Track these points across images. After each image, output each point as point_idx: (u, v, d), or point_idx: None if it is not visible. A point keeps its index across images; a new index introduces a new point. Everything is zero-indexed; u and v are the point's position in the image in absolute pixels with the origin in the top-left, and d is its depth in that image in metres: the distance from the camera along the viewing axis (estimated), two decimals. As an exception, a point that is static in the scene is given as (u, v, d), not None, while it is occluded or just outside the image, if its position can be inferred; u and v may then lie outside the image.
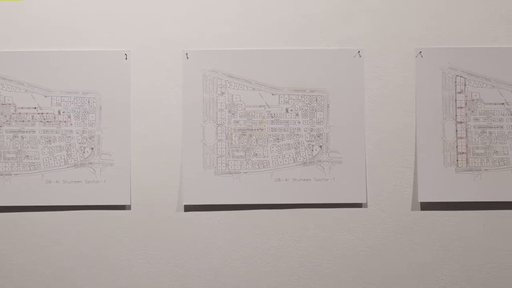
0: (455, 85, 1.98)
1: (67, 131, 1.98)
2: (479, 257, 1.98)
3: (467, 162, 1.97)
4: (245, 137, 1.99)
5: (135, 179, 1.98)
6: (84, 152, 1.98)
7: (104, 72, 1.98)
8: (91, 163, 1.97)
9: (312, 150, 1.98)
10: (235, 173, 1.97)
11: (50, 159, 1.97)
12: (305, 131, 1.99)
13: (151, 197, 1.98)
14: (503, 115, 1.98)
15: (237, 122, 1.99)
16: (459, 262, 1.98)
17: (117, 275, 1.97)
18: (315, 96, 1.99)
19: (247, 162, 1.98)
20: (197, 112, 1.98)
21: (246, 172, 1.98)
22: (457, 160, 1.97)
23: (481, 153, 1.97)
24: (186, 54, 1.98)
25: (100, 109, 1.98)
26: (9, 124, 1.97)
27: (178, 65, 1.98)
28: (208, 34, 1.99)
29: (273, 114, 1.99)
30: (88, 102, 1.98)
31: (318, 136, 1.98)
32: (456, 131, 1.97)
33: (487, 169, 1.97)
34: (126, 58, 1.98)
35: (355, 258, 1.98)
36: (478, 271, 1.98)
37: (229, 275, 1.98)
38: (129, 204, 1.97)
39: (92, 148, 1.98)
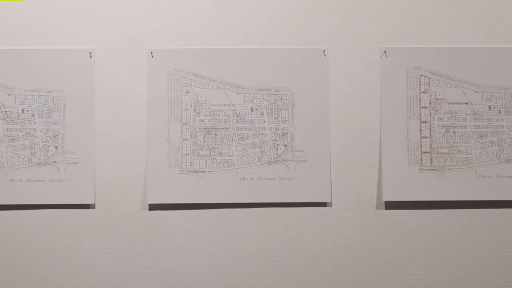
0: (419, 85, 1.98)
1: (31, 129, 1.97)
2: (443, 256, 1.99)
3: (431, 162, 1.98)
4: (210, 136, 1.98)
5: (100, 178, 1.97)
6: (48, 151, 1.96)
7: (69, 71, 1.97)
8: (55, 162, 1.96)
9: (277, 149, 1.98)
10: (200, 172, 1.97)
11: (14, 157, 1.96)
12: (270, 130, 1.99)
13: (116, 196, 1.97)
14: (467, 114, 1.99)
15: (202, 121, 1.98)
16: (423, 260, 1.99)
17: (82, 274, 1.96)
18: (280, 95, 1.99)
19: (212, 161, 1.98)
20: (162, 111, 1.97)
21: (211, 171, 1.97)
22: (421, 159, 1.98)
23: (445, 153, 1.98)
24: (151, 52, 1.97)
25: (65, 107, 1.97)
26: (-28, 122, 1.96)
27: (143, 64, 1.98)
28: (173, 33, 1.99)
29: (238, 113, 1.99)
30: (52, 100, 1.97)
31: (283, 135, 1.98)
32: (420, 130, 1.98)
33: (450, 168, 1.98)
34: (90, 57, 1.98)
35: (320, 257, 1.98)
36: (442, 270, 1.99)
37: (194, 274, 1.98)
38: (93, 203, 1.97)
39: (56, 147, 1.97)
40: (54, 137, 1.97)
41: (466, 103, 1.99)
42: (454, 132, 1.99)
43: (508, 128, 1.99)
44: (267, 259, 1.98)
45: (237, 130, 1.99)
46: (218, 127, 1.98)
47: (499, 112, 1.99)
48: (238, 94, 1.98)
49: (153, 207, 1.97)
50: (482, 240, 1.99)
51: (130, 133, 1.98)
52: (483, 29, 2.01)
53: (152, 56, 1.97)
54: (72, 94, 1.97)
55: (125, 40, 1.98)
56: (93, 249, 1.97)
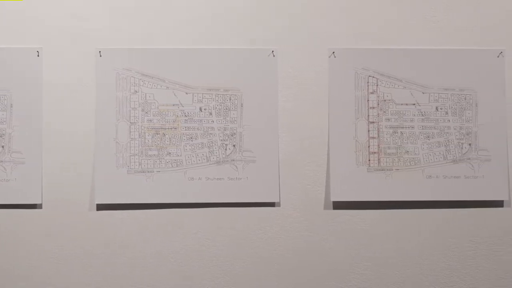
0: (368, 86, 1.99)
1: (-23, 129, 1.95)
2: (390, 256, 2.00)
3: (378, 162, 1.99)
4: (158, 136, 1.98)
5: (47, 178, 1.95)
6: (-6, 150, 1.95)
7: (16, 69, 1.95)
8: (2, 162, 1.95)
9: (226, 149, 1.98)
10: (148, 172, 1.97)
11: (-40, 157, 1.94)
12: (218, 130, 1.99)
13: (63, 196, 1.96)
14: (414, 115, 2.00)
15: (150, 121, 1.98)
16: (371, 260, 2.00)
17: (28, 275, 1.95)
18: (228, 96, 1.99)
19: (160, 161, 1.97)
20: (110, 111, 1.96)
21: (159, 171, 1.97)
22: (369, 160, 1.99)
23: (393, 153, 2.00)
24: (99, 52, 1.96)
25: (11, 107, 1.95)
26: None
27: (91, 63, 1.96)
28: (122, 32, 1.98)
29: (186, 113, 1.98)
30: (-1, 99, 1.96)
31: (232, 135, 1.98)
32: (368, 131, 1.99)
33: (398, 169, 1.99)
34: (38, 55, 1.96)
35: (268, 257, 1.99)
36: (390, 270, 2.00)
37: (142, 274, 1.97)
38: (40, 203, 1.95)
39: (2, 146, 1.95)
40: (0, 137, 1.95)
41: (414, 104, 2.00)
42: (401, 133, 2.00)
43: (454, 129, 2.00)
44: (215, 259, 1.98)
45: (185, 130, 1.98)
46: (167, 127, 1.98)
47: (446, 113, 2.00)
48: (186, 94, 1.98)
49: (100, 207, 1.96)
50: (429, 240, 2.01)
51: (78, 132, 1.96)
52: (432, 31, 2.02)
53: (100, 56, 1.96)
54: (19, 93, 1.95)
55: (73, 39, 1.97)
56: (40, 249, 1.95)
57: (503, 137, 2.00)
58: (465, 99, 2.00)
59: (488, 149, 2.00)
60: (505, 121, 2.01)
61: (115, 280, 1.96)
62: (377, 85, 1.99)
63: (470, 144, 2.00)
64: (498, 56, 2.01)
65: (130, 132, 1.97)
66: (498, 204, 2.01)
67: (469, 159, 2.00)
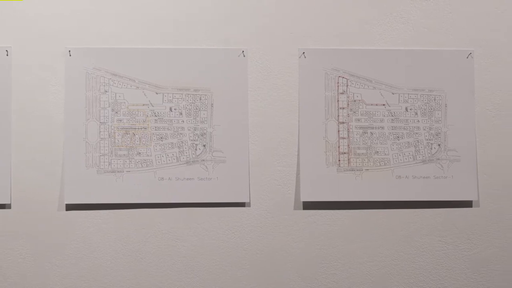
0: (338, 86, 2.00)
1: None
2: (360, 256, 2.01)
3: (348, 162, 1.99)
4: (128, 135, 1.97)
5: (16, 178, 1.94)
6: (-38, 150, 1.94)
7: (-16, 69, 1.94)
8: (-30, 161, 1.94)
9: (196, 149, 1.98)
10: (118, 172, 1.96)
11: None
12: (188, 130, 1.98)
13: (32, 195, 1.95)
14: (384, 116, 2.01)
15: (120, 120, 1.97)
16: (340, 260, 2.00)
17: (-3, 275, 1.95)
18: (199, 95, 1.99)
19: (130, 161, 1.97)
20: (80, 110, 1.96)
21: (129, 171, 1.96)
22: (339, 160, 1.99)
23: (363, 153, 2.00)
24: (69, 51, 1.96)
25: (-20, 106, 1.95)
26: None
27: (61, 62, 1.96)
28: (92, 31, 1.97)
29: (156, 113, 1.98)
30: (-32, 99, 1.95)
31: (202, 135, 1.98)
32: (338, 131, 2.00)
33: (368, 169, 2.00)
34: (7, 55, 1.95)
35: (238, 256, 1.99)
36: (359, 270, 2.01)
37: (111, 275, 1.96)
38: (9, 203, 1.94)
39: (-29, 146, 1.94)
40: (-31, 136, 1.94)
41: (384, 105, 2.01)
42: (371, 133, 2.00)
43: (424, 129, 2.01)
44: (185, 259, 1.98)
45: (155, 130, 1.98)
46: (137, 127, 1.98)
47: (416, 113, 2.01)
48: (157, 93, 1.98)
49: (70, 207, 1.96)
50: (399, 240, 2.01)
51: (47, 132, 1.96)
52: (402, 32, 2.03)
53: (70, 55, 1.96)
54: (-13, 93, 1.94)
55: (42, 38, 1.96)
56: (9, 250, 1.94)
57: (472, 138, 2.01)
58: (434, 99, 2.01)
59: (457, 150, 2.01)
60: (474, 122, 2.02)
61: (84, 281, 1.96)
62: (347, 86, 2.00)
63: (439, 145, 2.01)
64: (467, 57, 2.02)
65: (100, 132, 1.96)
66: (467, 204, 2.03)
67: (439, 159, 2.01)
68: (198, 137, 1.98)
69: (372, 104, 2.01)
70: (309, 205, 2.00)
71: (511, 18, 2.05)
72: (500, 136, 2.03)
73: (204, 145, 1.98)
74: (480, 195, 2.02)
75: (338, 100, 2.00)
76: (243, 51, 1.99)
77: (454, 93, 2.01)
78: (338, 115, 2.00)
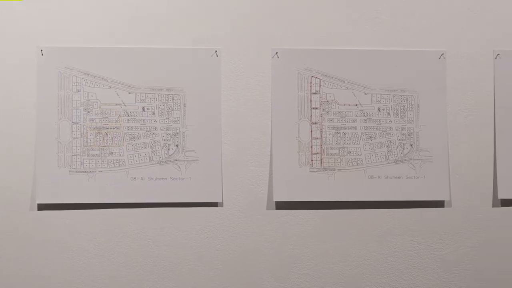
0: (310, 86, 2.00)
1: None
2: (332, 256, 2.01)
3: (321, 162, 2.00)
4: (100, 135, 1.97)
5: (-13, 177, 1.94)
6: None
7: (-45, 68, 1.93)
8: None
9: (168, 149, 1.98)
10: (90, 171, 1.96)
11: None
12: (161, 130, 1.98)
13: (4, 195, 1.94)
14: (357, 116, 2.01)
15: (92, 120, 1.97)
16: (313, 260, 2.01)
17: (-32, 275, 1.94)
18: (172, 95, 1.98)
19: (103, 161, 1.96)
20: (52, 110, 1.95)
21: (102, 171, 1.96)
22: (312, 160, 1.99)
23: (335, 153, 2.00)
24: (41, 50, 1.95)
25: (-49, 105, 1.94)
26: None
27: (33, 62, 1.95)
28: (64, 31, 1.97)
29: (129, 113, 1.98)
30: None
31: (175, 135, 1.98)
32: (311, 131, 2.00)
33: (340, 169, 2.00)
34: (-22, 54, 1.95)
35: (211, 257, 1.99)
36: (332, 269, 2.01)
37: (84, 275, 1.96)
38: (-19, 202, 1.94)
39: None
40: None
41: (356, 105, 2.01)
42: (344, 133, 2.01)
43: (396, 129, 2.02)
44: (157, 259, 1.98)
45: (128, 129, 1.97)
46: (109, 127, 1.97)
47: (388, 114, 2.02)
48: (129, 93, 1.97)
49: (42, 207, 1.95)
50: (371, 240, 2.02)
51: (19, 132, 1.95)
52: (374, 32, 2.03)
53: (42, 54, 1.95)
54: (-41, 92, 1.93)
55: (14, 38, 1.95)
56: (-20, 250, 1.94)
57: (444, 138, 2.02)
58: (407, 100, 2.02)
59: (429, 150, 2.02)
60: (446, 122, 2.03)
61: (58, 282, 1.95)
62: (320, 86, 2.00)
63: (411, 145, 2.01)
64: (439, 58, 2.03)
65: (72, 131, 1.96)
66: (439, 204, 2.03)
67: (411, 159, 2.01)
68: (171, 137, 1.98)
69: (344, 104, 2.01)
70: (281, 205, 2.00)
71: (483, 19, 2.06)
72: (472, 136, 2.04)
73: (176, 145, 1.98)
74: (452, 195, 2.03)
75: (311, 100, 2.00)
76: (216, 51, 1.99)
77: (426, 93, 2.02)
78: (311, 115, 2.00)
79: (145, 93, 1.98)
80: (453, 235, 2.04)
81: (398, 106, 2.02)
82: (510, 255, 2.06)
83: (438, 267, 2.03)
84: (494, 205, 2.05)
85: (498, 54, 2.05)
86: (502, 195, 2.04)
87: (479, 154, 2.05)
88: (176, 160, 1.98)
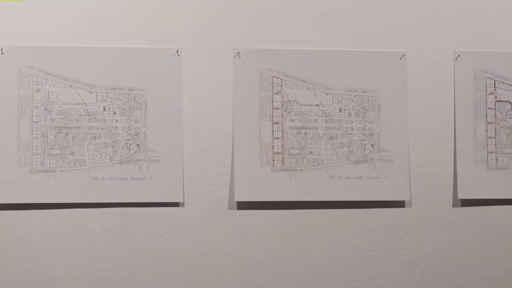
0: (272, 86, 2.01)
1: None
2: (294, 256, 2.02)
3: (282, 162, 2.00)
4: (61, 135, 1.96)
5: None
6: None
7: None
8: None
9: (130, 149, 1.97)
10: (50, 171, 1.95)
11: None
12: (122, 129, 1.98)
13: (-37, 195, 1.93)
14: (318, 116, 2.02)
15: (53, 119, 1.96)
16: (274, 260, 2.01)
17: None
18: (133, 95, 1.98)
19: (63, 161, 1.95)
20: (12, 109, 1.94)
21: (62, 171, 1.95)
22: (273, 160, 2.00)
23: (297, 154, 2.01)
24: (1, 49, 1.94)
25: None
26: None
27: (-7, 61, 1.94)
28: (24, 29, 1.96)
29: (90, 112, 1.97)
30: None
31: (136, 135, 1.98)
32: (273, 131, 2.00)
33: (302, 169, 2.01)
34: None
35: (172, 257, 1.98)
36: (294, 270, 2.02)
37: (42, 276, 1.95)
38: None
39: None
40: None
41: (318, 105, 2.02)
42: (305, 134, 2.01)
43: (357, 130, 2.03)
44: (118, 259, 1.97)
45: (89, 129, 1.97)
46: (70, 126, 1.96)
47: (349, 114, 2.03)
48: (90, 93, 1.97)
49: (1, 207, 1.93)
50: (332, 240, 2.03)
51: (-22, 131, 1.94)
52: (336, 33, 2.04)
53: (2, 53, 1.94)
54: None
55: (-26, 37, 1.95)
56: None
57: (404, 138, 2.04)
58: (368, 100, 2.03)
59: (390, 150, 2.03)
60: (406, 123, 2.04)
61: (17, 284, 1.94)
62: (281, 86, 2.01)
63: (372, 145, 2.02)
64: (400, 59, 2.04)
65: (32, 131, 1.95)
66: (400, 204, 2.05)
67: (372, 160, 2.02)
68: (132, 137, 1.98)
69: (306, 105, 2.02)
70: (243, 205, 2.00)
71: (444, 20, 2.08)
72: (432, 137, 2.06)
73: (138, 145, 1.98)
74: (412, 195, 2.04)
75: (272, 100, 2.01)
76: (177, 51, 1.99)
77: (387, 94, 2.03)
78: (273, 115, 2.01)
79: (106, 93, 1.97)
80: (413, 235, 2.05)
81: (359, 106, 2.03)
82: (470, 255, 2.07)
83: (399, 266, 2.05)
84: (454, 205, 2.06)
85: (459, 55, 2.06)
86: (462, 195, 2.05)
87: (440, 154, 2.06)
88: (137, 160, 1.97)
